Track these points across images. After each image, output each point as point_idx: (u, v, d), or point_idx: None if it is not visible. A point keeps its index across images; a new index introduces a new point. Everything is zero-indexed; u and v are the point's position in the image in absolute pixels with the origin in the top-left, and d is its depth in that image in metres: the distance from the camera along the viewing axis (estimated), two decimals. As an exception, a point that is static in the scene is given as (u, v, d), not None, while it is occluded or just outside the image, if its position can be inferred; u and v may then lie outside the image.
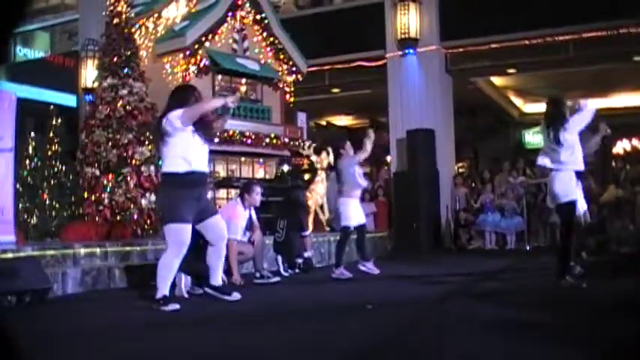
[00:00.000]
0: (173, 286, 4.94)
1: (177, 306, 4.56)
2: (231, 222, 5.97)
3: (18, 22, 1.43)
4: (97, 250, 6.28)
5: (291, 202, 7.95)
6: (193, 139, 4.65)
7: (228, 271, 5.98)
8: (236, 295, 4.94)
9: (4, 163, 6.43)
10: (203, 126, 4.75)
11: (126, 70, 7.89)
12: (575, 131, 5.40)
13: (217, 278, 4.99)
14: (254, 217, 6.39)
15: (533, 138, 17.05)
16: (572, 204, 5.43)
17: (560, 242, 5.60)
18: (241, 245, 6.15)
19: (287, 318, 4.38)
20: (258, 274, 6.38)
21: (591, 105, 5.51)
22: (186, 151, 4.61)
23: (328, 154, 9.80)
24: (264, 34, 10.16)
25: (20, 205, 7.28)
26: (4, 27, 1.41)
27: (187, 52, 8.93)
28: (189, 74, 8.94)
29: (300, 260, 7.39)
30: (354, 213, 6.87)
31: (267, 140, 9.48)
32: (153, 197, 7.60)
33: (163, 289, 4.62)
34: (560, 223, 5.76)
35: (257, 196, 6.24)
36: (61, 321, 4.34)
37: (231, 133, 8.83)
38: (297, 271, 7.29)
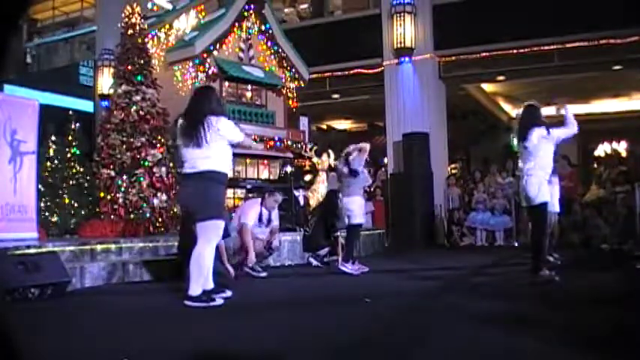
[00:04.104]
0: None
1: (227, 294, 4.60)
2: (247, 211, 6.34)
3: (9, 40, 1.47)
4: (113, 246, 6.31)
5: (330, 203, 8.02)
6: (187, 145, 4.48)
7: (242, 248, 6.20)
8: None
9: (27, 165, 6.47)
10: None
11: (139, 78, 7.91)
12: (550, 139, 5.39)
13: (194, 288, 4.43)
14: (276, 222, 6.55)
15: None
16: (544, 205, 5.45)
17: (533, 240, 5.57)
18: (255, 237, 6.30)
19: (288, 308, 4.41)
20: (250, 266, 6.36)
21: (572, 113, 5.51)
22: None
23: (329, 156, 9.81)
24: (269, 43, 10.19)
25: (42, 204, 7.31)
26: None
27: (196, 61, 8.96)
28: (198, 81, 8.96)
29: (321, 254, 7.64)
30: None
31: (272, 143, 9.48)
32: (164, 197, 7.63)
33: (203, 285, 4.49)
34: (532, 224, 5.73)
35: (274, 202, 6.48)
36: (80, 312, 4.36)
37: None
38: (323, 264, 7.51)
